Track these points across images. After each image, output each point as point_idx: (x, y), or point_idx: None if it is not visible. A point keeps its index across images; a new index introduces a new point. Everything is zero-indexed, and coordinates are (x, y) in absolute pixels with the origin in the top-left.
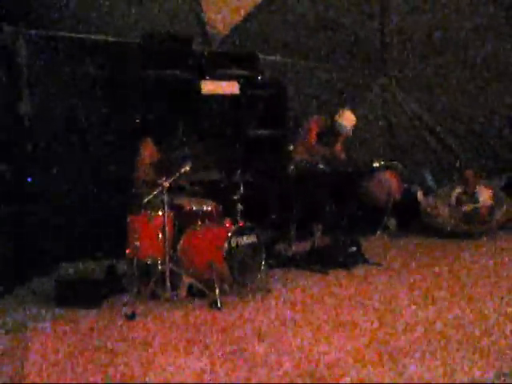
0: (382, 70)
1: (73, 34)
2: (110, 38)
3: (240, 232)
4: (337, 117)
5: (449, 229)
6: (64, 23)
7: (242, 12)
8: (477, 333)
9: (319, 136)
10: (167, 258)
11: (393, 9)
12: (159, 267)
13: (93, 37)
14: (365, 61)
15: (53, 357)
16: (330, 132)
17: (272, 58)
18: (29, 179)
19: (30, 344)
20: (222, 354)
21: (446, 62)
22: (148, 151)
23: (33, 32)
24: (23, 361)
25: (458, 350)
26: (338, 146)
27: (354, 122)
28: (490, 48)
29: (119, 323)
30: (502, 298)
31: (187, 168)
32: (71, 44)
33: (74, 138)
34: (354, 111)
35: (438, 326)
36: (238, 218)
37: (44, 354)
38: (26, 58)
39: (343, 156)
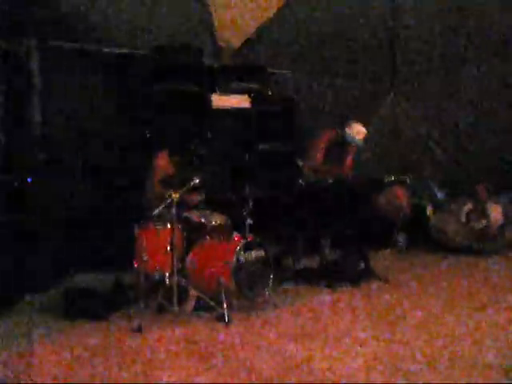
0: (391, 84)
1: (85, 46)
2: (122, 51)
3: (248, 246)
4: (347, 129)
5: (458, 245)
6: (76, 35)
7: (253, 26)
8: (486, 350)
9: (329, 150)
10: (175, 272)
11: (403, 23)
12: (167, 281)
13: (105, 49)
14: (375, 75)
15: (57, 369)
16: (341, 145)
17: (283, 72)
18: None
19: (34, 356)
20: (228, 370)
21: (455, 76)
22: (162, 165)
23: (46, 44)
24: (27, 373)
25: (467, 367)
26: (349, 160)
27: (365, 134)
28: (498, 62)
29: (126, 336)
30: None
31: (197, 181)
32: (83, 56)
33: (84, 149)
34: (364, 125)
35: (447, 342)
36: (247, 232)
37: (48, 367)
38: (38, 69)
39: (350, 173)
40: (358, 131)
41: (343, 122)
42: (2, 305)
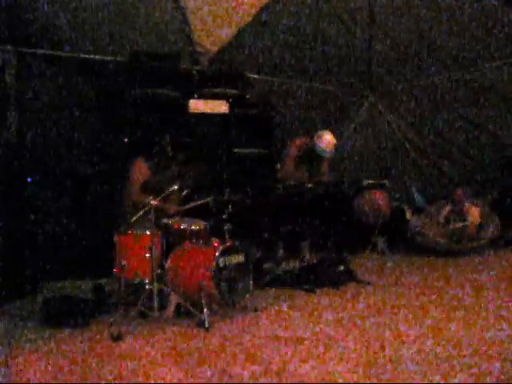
0: (369, 89)
1: (61, 53)
2: (98, 57)
3: (228, 251)
4: (315, 139)
5: (437, 247)
6: (52, 42)
7: (231, 31)
8: (468, 350)
9: (303, 157)
10: (154, 278)
11: (380, 28)
12: (147, 286)
13: (81, 55)
14: (353, 80)
15: (37, 377)
16: (312, 152)
17: (260, 76)
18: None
19: (13, 364)
20: (208, 375)
21: (434, 80)
22: (140, 172)
23: (22, 50)
24: (7, 380)
25: (449, 368)
26: (325, 166)
27: (333, 144)
28: (479, 67)
29: (105, 343)
30: (491, 314)
31: (175, 187)
32: (59, 62)
33: (62, 157)
34: (338, 131)
35: (428, 344)
36: (226, 237)
37: (28, 375)
38: (14, 77)
39: (326, 178)
40: (326, 141)
41: (316, 132)
42: None
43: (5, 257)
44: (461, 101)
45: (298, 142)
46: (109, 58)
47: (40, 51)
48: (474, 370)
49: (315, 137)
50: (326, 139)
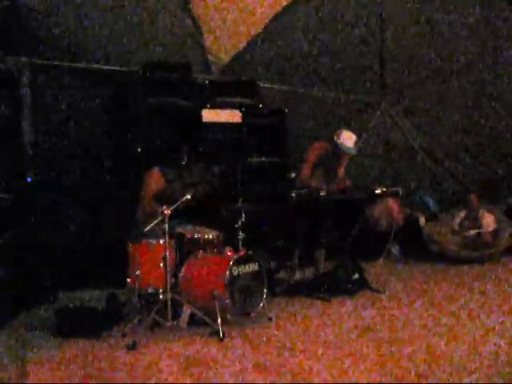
0: (381, 95)
1: (74, 64)
2: (112, 67)
3: (241, 260)
4: (336, 138)
5: (452, 254)
6: (66, 53)
7: (243, 40)
8: (483, 359)
9: (321, 162)
10: (168, 287)
11: (392, 34)
12: (160, 296)
13: (95, 66)
14: (365, 87)
15: None
16: (331, 157)
17: (273, 86)
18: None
19: (28, 374)
20: None
21: (446, 87)
22: (154, 181)
23: (36, 61)
24: None
25: (464, 377)
26: (341, 171)
27: (356, 141)
28: (490, 73)
29: (119, 353)
30: (506, 323)
31: (188, 197)
32: (73, 73)
33: (75, 166)
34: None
35: (443, 352)
36: (240, 246)
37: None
38: (28, 87)
39: (347, 182)
40: (349, 138)
41: (333, 133)
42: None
43: (20, 266)
44: (474, 106)
45: (316, 146)
46: (122, 69)
47: (54, 63)
48: (487, 372)
49: (335, 137)
50: (347, 135)
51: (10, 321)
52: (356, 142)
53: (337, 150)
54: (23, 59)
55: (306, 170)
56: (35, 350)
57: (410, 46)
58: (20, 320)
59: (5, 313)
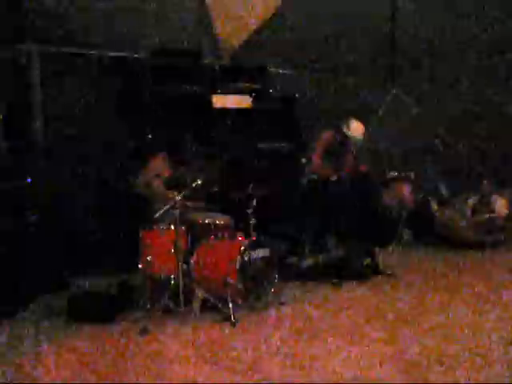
0: (393, 80)
1: (84, 51)
2: (121, 54)
3: (253, 246)
4: (345, 128)
5: (464, 239)
6: (75, 40)
7: (253, 25)
8: (496, 343)
9: (330, 151)
10: (180, 273)
11: (403, 20)
12: (172, 282)
13: (104, 53)
14: (375, 71)
15: (63, 372)
16: (340, 145)
17: (283, 70)
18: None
19: (40, 358)
20: (235, 371)
21: (457, 70)
22: (156, 165)
23: (45, 49)
24: (33, 375)
25: (476, 360)
26: (349, 159)
27: (363, 131)
28: (503, 58)
29: (132, 338)
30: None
31: (199, 183)
32: (82, 60)
33: (86, 153)
34: (365, 122)
35: (456, 336)
36: (251, 231)
37: (54, 370)
38: (39, 75)
39: (362, 167)
40: (356, 128)
41: (341, 121)
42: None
43: (33, 253)
44: (484, 91)
45: (325, 135)
46: (132, 56)
47: (63, 50)
48: (499, 355)
49: (344, 126)
50: (355, 126)
51: (22, 308)
52: (363, 132)
53: (345, 140)
54: (33, 47)
55: (317, 160)
56: (48, 335)
57: (422, 30)
58: (34, 306)
59: (17, 301)
